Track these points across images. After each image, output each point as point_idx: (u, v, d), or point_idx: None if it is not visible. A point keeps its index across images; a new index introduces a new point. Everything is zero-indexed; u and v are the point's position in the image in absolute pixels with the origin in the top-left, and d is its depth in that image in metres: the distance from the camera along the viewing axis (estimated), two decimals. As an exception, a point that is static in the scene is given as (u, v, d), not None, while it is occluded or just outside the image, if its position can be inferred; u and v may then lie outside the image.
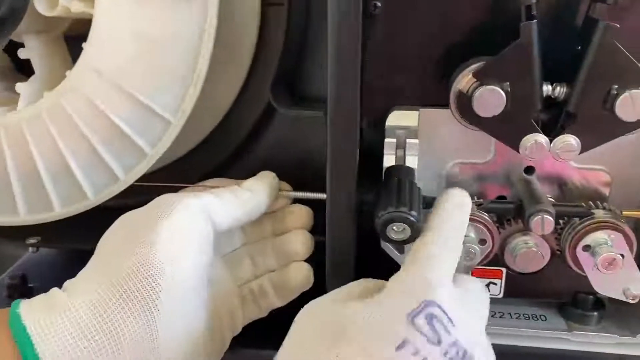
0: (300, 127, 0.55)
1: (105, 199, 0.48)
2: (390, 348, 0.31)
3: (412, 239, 0.39)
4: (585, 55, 0.41)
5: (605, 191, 0.49)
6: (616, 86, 0.41)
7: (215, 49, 0.53)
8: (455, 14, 0.45)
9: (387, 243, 0.46)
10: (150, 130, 0.44)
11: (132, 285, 0.36)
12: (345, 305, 0.34)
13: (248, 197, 0.44)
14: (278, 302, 0.47)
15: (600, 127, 0.42)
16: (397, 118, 0.48)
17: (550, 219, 0.43)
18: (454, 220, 0.41)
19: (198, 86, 0.44)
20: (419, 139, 0.48)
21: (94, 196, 0.47)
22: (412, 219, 0.39)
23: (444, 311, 0.33)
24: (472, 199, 0.47)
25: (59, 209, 0.47)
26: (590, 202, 0.47)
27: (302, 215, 0.48)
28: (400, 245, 0.40)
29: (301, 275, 0.46)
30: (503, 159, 0.48)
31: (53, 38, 0.49)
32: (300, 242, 0.47)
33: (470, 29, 0.45)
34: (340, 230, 0.42)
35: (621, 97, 0.40)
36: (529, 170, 0.49)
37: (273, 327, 0.42)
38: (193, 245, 0.39)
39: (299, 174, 0.52)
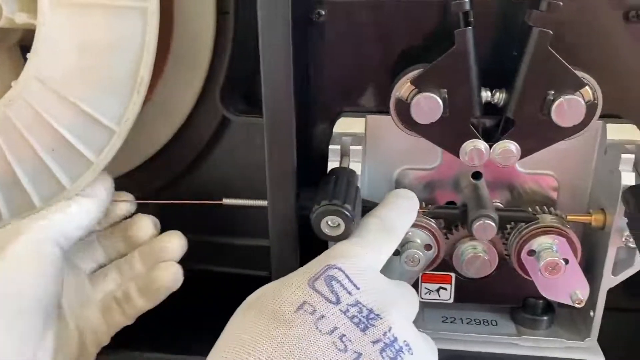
0: (256, 134, 0.55)
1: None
2: (290, 310, 0.32)
3: (346, 234, 0.39)
4: (522, 62, 0.41)
5: (554, 196, 0.49)
6: (552, 92, 0.41)
7: (171, 59, 0.55)
8: (398, 22, 0.46)
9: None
10: (95, 139, 0.44)
11: None
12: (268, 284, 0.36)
13: (90, 203, 0.45)
14: (144, 305, 0.47)
15: (539, 133, 0.42)
16: (347, 125, 0.48)
17: (492, 224, 0.43)
18: (397, 208, 0.43)
19: (141, 94, 0.44)
20: (367, 145, 0.49)
21: (41, 205, 0.47)
22: (345, 212, 0.39)
23: (346, 275, 0.34)
24: (421, 205, 0.47)
25: (8, 218, 0.47)
26: (537, 207, 0.47)
27: (145, 221, 0.48)
28: (336, 241, 0.40)
29: (167, 272, 0.47)
30: (450, 164, 0.49)
31: (3, 48, 0.49)
32: (173, 242, 0.48)
33: (414, 36, 0.46)
34: (283, 236, 0.43)
35: (557, 102, 0.41)
36: (477, 175, 0.49)
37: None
38: (31, 273, 0.40)
39: (257, 180, 0.52)
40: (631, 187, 0.42)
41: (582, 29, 0.44)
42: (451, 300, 0.50)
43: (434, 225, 0.47)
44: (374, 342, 0.32)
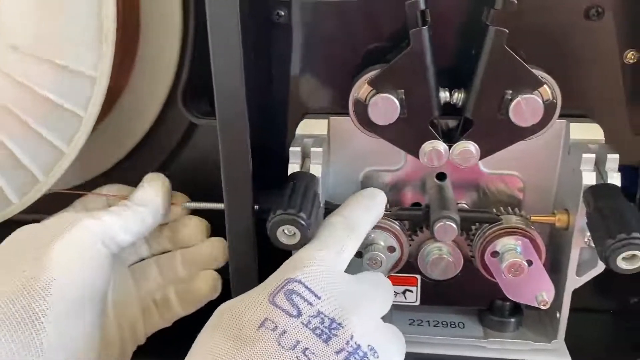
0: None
1: (30, 202, 0.48)
2: (252, 328, 0.32)
3: (302, 243, 0.39)
4: (479, 61, 0.40)
5: (520, 196, 0.49)
6: (510, 91, 0.40)
7: (138, 63, 0.54)
8: (360, 21, 0.45)
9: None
10: (63, 126, 0.44)
11: (13, 307, 0.36)
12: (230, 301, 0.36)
13: (145, 211, 0.44)
14: (182, 312, 0.47)
15: (497, 133, 0.42)
16: (310, 126, 0.48)
17: (452, 225, 0.43)
18: (360, 206, 0.43)
19: (109, 44, 0.43)
20: (332, 147, 0.48)
21: (18, 200, 0.47)
22: (301, 221, 0.38)
23: (306, 287, 0.34)
24: (386, 206, 0.47)
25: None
26: (502, 208, 0.47)
27: (196, 226, 0.47)
28: (294, 249, 0.40)
29: (207, 284, 0.46)
30: (415, 166, 0.48)
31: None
32: (216, 248, 0.47)
33: (376, 36, 0.45)
34: (240, 240, 0.42)
35: (514, 102, 0.40)
36: (441, 176, 0.49)
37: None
38: (84, 266, 0.39)
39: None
40: (592, 187, 0.41)
41: (543, 27, 0.44)
42: (417, 303, 0.50)
43: (397, 227, 0.46)
44: (337, 352, 0.32)
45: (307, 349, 0.32)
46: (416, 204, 0.50)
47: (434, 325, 0.50)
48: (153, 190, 0.45)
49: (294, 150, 0.45)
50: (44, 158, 0.46)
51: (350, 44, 0.46)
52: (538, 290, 0.46)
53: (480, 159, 0.43)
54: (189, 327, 0.43)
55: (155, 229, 0.46)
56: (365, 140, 0.46)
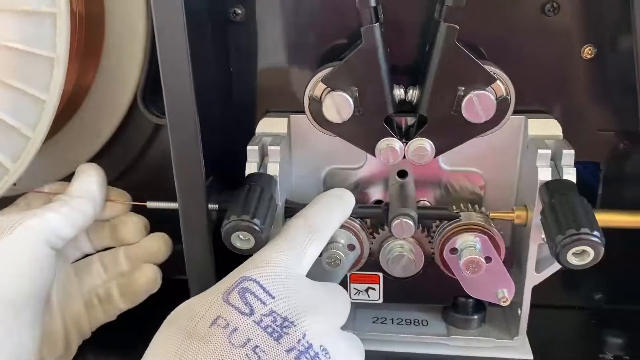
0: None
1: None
2: (204, 325, 0.32)
3: (257, 247, 0.39)
4: (431, 58, 0.40)
5: (482, 193, 0.48)
6: (463, 88, 0.40)
7: (102, 64, 0.54)
8: (318, 18, 0.45)
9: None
10: (26, 112, 0.43)
11: None
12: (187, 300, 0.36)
13: (83, 202, 0.44)
14: (123, 306, 0.47)
15: (451, 130, 0.42)
16: (270, 125, 0.48)
17: (410, 223, 0.43)
18: (324, 207, 0.42)
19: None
20: (293, 145, 0.48)
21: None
22: (254, 227, 0.38)
23: (261, 285, 0.34)
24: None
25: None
26: (462, 205, 0.47)
27: (134, 224, 0.48)
28: (249, 254, 0.40)
29: (146, 277, 0.47)
30: (376, 163, 0.48)
31: None
32: (158, 242, 0.47)
33: (333, 34, 0.45)
34: (195, 239, 0.42)
35: (466, 98, 0.40)
36: (403, 174, 0.48)
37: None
38: (25, 266, 0.40)
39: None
40: (546, 182, 0.41)
41: (500, 23, 0.44)
42: (380, 301, 0.50)
43: (357, 225, 0.46)
44: (288, 351, 0.32)
45: (257, 346, 0.32)
46: (379, 202, 0.50)
47: (398, 323, 0.50)
48: (87, 180, 0.45)
49: (252, 149, 0.44)
50: (10, 146, 0.45)
51: (309, 41, 0.46)
52: (498, 287, 0.46)
53: (435, 156, 0.43)
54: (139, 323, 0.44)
55: (97, 226, 0.47)
56: (326, 138, 0.46)
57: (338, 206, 0.43)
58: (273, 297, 0.34)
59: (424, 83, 0.41)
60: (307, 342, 0.33)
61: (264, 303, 0.33)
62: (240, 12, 0.46)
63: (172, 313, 0.35)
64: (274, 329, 0.32)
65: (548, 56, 0.45)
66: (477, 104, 0.40)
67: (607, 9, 0.43)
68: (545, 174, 0.42)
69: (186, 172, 0.40)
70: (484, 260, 0.44)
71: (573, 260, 0.37)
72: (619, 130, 0.47)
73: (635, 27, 0.40)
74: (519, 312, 0.47)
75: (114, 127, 0.56)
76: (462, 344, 0.48)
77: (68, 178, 0.57)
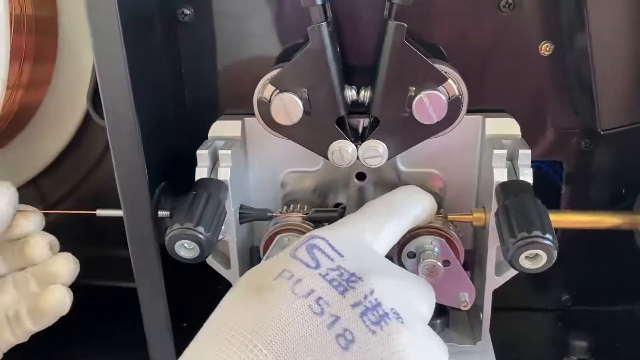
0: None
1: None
2: (270, 279, 0.31)
3: (202, 256, 0.38)
4: (381, 57, 0.39)
5: (441, 195, 0.47)
6: (414, 88, 0.39)
7: (56, 72, 0.53)
8: (267, 19, 0.44)
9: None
10: None
11: None
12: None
13: None
14: (33, 327, 0.45)
15: (403, 131, 0.41)
16: (223, 128, 0.46)
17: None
18: (404, 191, 0.39)
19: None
20: (249, 148, 0.47)
21: None
22: (198, 235, 0.37)
23: (329, 244, 0.33)
24: (304, 209, 0.46)
25: None
26: (420, 207, 0.46)
27: (37, 243, 0.45)
28: (194, 262, 0.38)
29: (53, 298, 0.44)
30: (333, 166, 0.47)
31: None
32: (60, 262, 0.45)
33: (286, 34, 0.44)
34: (141, 247, 0.41)
35: (417, 98, 0.39)
36: (361, 176, 0.47)
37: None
38: None
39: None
40: (501, 184, 0.40)
41: (456, 19, 0.43)
42: (341, 307, 0.48)
43: (311, 229, 0.45)
44: (353, 305, 0.30)
45: (320, 298, 0.30)
46: (338, 205, 0.48)
47: (359, 329, 0.49)
48: None
49: (201, 153, 0.43)
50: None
51: (261, 41, 0.45)
52: (458, 291, 0.45)
53: (389, 158, 0.42)
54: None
55: (10, 246, 0.45)
56: (281, 140, 0.44)
57: (418, 194, 0.40)
58: (342, 256, 0.32)
59: (375, 84, 0.40)
60: (375, 300, 0.30)
61: (331, 259, 0.32)
62: (189, 12, 0.44)
63: (242, 276, 0.34)
64: (339, 282, 0.30)
65: (505, 53, 0.44)
66: (427, 104, 0.39)
67: (564, 4, 0.42)
68: (501, 175, 0.41)
69: (129, 178, 0.39)
70: (441, 264, 0.43)
71: (526, 264, 0.36)
72: (579, 129, 0.46)
73: (588, 24, 0.39)
74: (481, 316, 0.46)
75: (68, 138, 0.55)
76: (423, 350, 0.47)
77: (23, 188, 0.56)
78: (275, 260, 0.33)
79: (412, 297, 0.33)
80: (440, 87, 0.39)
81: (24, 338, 0.45)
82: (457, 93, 0.40)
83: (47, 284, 0.45)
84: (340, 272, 0.31)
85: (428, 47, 0.42)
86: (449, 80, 0.40)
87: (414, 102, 0.39)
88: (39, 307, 0.44)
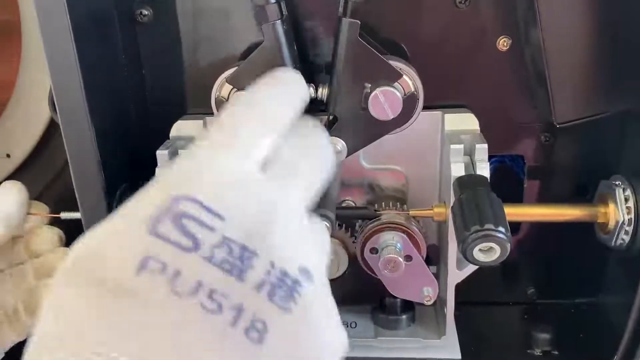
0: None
1: None
2: (129, 274, 0.22)
3: None
4: (336, 55, 0.39)
5: (405, 191, 0.48)
6: (369, 85, 0.39)
7: (21, 74, 0.53)
8: (229, 19, 0.44)
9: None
10: None
11: None
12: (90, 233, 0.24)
13: None
14: (31, 323, 0.45)
15: (361, 129, 0.41)
16: (184, 128, 0.46)
17: (326, 224, 0.41)
18: (264, 84, 0.30)
19: None
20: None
21: None
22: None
23: (203, 205, 0.24)
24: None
25: None
26: (383, 203, 0.46)
27: (46, 236, 0.45)
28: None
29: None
30: (296, 163, 0.47)
31: None
32: (61, 259, 0.45)
33: (245, 33, 0.44)
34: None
35: (372, 95, 0.39)
36: (324, 173, 0.47)
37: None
38: None
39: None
40: (458, 178, 0.40)
41: (412, 15, 0.43)
42: (307, 304, 0.49)
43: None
44: (257, 288, 0.23)
45: (214, 290, 0.22)
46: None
47: (326, 326, 0.49)
48: (4, 200, 0.44)
49: (161, 153, 0.43)
50: None
51: (221, 41, 0.45)
52: (421, 286, 0.45)
53: (348, 155, 0.42)
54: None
55: (11, 241, 0.45)
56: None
57: (283, 81, 0.31)
58: (222, 219, 0.24)
59: (332, 81, 0.40)
60: (280, 271, 0.24)
61: (211, 229, 0.23)
62: (147, 13, 0.44)
63: (69, 263, 0.23)
64: (231, 264, 0.23)
65: (464, 48, 0.44)
66: (383, 101, 0.39)
67: (519, -1, 0.42)
68: (458, 169, 0.41)
69: (86, 180, 0.39)
70: (402, 260, 0.43)
71: (480, 256, 0.36)
72: (539, 123, 0.46)
73: (540, 20, 0.39)
74: (445, 310, 0.46)
75: (36, 137, 0.55)
76: (389, 345, 0.47)
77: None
78: (126, 238, 0.23)
79: (306, 196, 0.27)
80: (396, 84, 0.39)
81: (24, 334, 0.45)
82: (412, 89, 0.40)
83: (43, 277, 0.45)
84: (229, 247, 0.23)
85: (387, 43, 0.43)
86: (404, 76, 0.40)
87: (370, 99, 0.39)
88: (37, 303, 0.44)
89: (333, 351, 0.25)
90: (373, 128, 0.41)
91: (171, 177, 0.25)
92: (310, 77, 0.42)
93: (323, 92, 0.41)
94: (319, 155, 0.30)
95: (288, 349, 0.23)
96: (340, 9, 0.39)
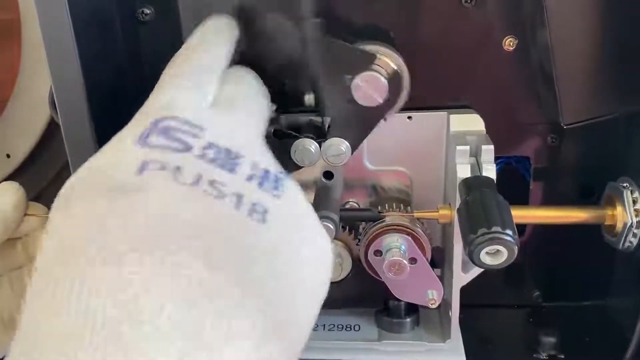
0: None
1: None
2: (129, 176, 0.23)
3: None
4: (308, 57, 0.38)
5: (410, 192, 0.47)
6: (349, 76, 0.38)
7: (21, 74, 0.53)
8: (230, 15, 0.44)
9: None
10: None
11: None
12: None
13: None
14: None
15: (357, 121, 0.39)
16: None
17: (329, 225, 0.41)
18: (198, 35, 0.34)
19: None
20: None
21: None
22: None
23: (184, 120, 0.26)
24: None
25: None
26: (387, 205, 0.45)
27: None
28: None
29: None
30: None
31: None
32: None
33: (249, 34, 0.44)
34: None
35: (353, 85, 0.38)
36: (328, 175, 0.47)
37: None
38: None
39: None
40: (464, 179, 0.40)
41: (419, 14, 0.43)
42: (310, 307, 0.48)
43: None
44: (248, 179, 0.25)
45: (213, 180, 0.24)
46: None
47: (329, 330, 0.48)
48: (1, 200, 0.43)
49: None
50: None
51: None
52: (426, 289, 0.45)
53: (352, 152, 0.41)
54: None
55: (10, 245, 0.44)
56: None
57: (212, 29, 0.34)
58: (203, 129, 0.26)
59: (314, 85, 0.39)
60: (263, 169, 0.26)
61: (196, 137, 0.25)
62: (149, 12, 0.44)
63: (67, 189, 0.24)
64: (222, 160, 0.25)
65: (470, 49, 0.44)
66: (366, 87, 0.38)
67: (525, -2, 0.42)
68: (464, 171, 0.40)
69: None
70: (407, 262, 0.42)
71: (487, 260, 0.35)
72: (546, 124, 0.45)
73: (547, 19, 0.38)
74: (450, 313, 0.45)
75: (36, 137, 0.55)
76: (392, 349, 0.47)
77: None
78: (118, 152, 0.25)
79: (258, 128, 0.29)
80: (377, 67, 0.38)
81: None
82: (394, 67, 0.39)
83: None
84: (216, 149, 0.25)
85: (369, 31, 0.42)
86: (381, 56, 0.38)
87: (352, 89, 0.38)
88: None
89: (324, 235, 0.27)
90: (368, 118, 0.39)
91: (147, 109, 0.27)
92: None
93: (310, 98, 0.40)
94: (254, 88, 0.32)
95: (287, 228, 0.25)
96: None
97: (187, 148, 0.25)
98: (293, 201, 0.26)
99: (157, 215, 0.22)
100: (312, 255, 0.27)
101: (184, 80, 0.29)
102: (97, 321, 0.20)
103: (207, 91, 0.29)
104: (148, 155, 0.24)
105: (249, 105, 0.30)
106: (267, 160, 0.27)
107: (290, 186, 0.26)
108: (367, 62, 0.38)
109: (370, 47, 0.39)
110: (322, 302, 0.28)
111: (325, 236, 0.27)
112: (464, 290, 0.44)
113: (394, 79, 0.38)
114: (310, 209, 0.27)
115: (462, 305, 0.45)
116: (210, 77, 0.30)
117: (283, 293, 0.24)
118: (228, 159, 0.25)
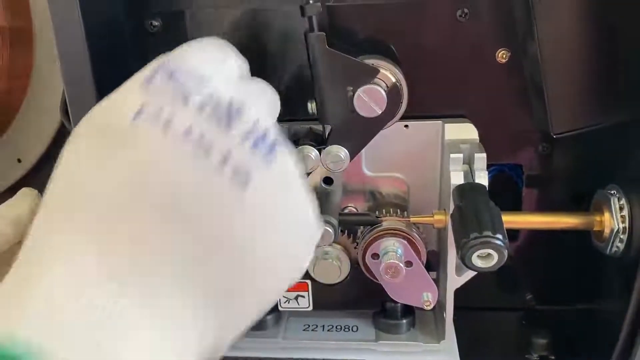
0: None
1: None
2: (125, 120, 0.24)
3: None
4: (312, 69, 0.40)
5: (407, 198, 0.49)
6: (351, 88, 0.40)
7: (33, 79, 0.55)
8: (237, 32, 0.46)
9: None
10: None
11: None
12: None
13: (3, 225, 0.43)
14: None
15: (356, 131, 0.42)
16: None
17: (328, 230, 0.43)
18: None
19: None
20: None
21: None
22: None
23: (192, 68, 0.26)
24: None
25: None
26: (384, 210, 0.47)
27: None
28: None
29: None
30: (300, 171, 0.48)
31: None
32: None
33: (254, 47, 0.46)
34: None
35: (355, 97, 0.40)
36: (328, 181, 0.49)
37: None
38: None
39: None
40: (457, 186, 0.42)
41: (415, 28, 0.45)
42: (310, 308, 0.50)
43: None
44: (242, 138, 0.25)
45: (203, 135, 0.24)
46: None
47: (328, 330, 0.50)
48: (18, 204, 0.44)
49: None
50: None
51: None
52: (421, 291, 0.46)
53: (351, 159, 0.43)
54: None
55: (19, 247, 0.46)
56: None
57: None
58: (210, 78, 0.26)
59: (316, 94, 0.41)
60: (262, 130, 0.25)
61: (201, 84, 0.26)
62: (157, 24, 0.46)
63: (81, 122, 0.27)
64: (220, 114, 0.25)
65: (464, 61, 0.45)
66: (367, 99, 0.40)
67: (517, 12, 0.43)
68: (457, 178, 0.42)
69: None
70: (403, 265, 0.44)
71: (479, 262, 0.37)
72: (537, 133, 0.47)
73: (537, 32, 0.40)
74: (444, 315, 0.47)
75: (47, 143, 0.57)
76: (389, 349, 0.48)
77: (7, 193, 0.57)
78: (122, 93, 0.26)
79: (273, 110, 0.29)
80: (377, 80, 0.40)
81: None
82: (393, 80, 0.41)
83: None
84: (217, 100, 0.25)
85: (373, 45, 0.44)
86: (382, 70, 0.41)
87: (355, 101, 0.40)
88: None
89: (307, 209, 0.26)
90: (367, 127, 0.41)
91: (159, 61, 0.27)
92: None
93: (312, 106, 0.42)
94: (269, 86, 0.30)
95: (268, 203, 0.25)
96: (305, 26, 0.40)
97: (187, 96, 0.25)
98: (283, 171, 0.25)
99: (130, 170, 0.24)
100: (291, 230, 0.26)
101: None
102: None
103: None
104: (147, 98, 0.25)
105: (263, 87, 0.29)
106: (270, 121, 0.26)
107: (285, 153, 0.26)
108: (369, 75, 0.40)
109: (370, 61, 0.40)
110: (293, 281, 0.28)
111: (310, 209, 0.27)
112: (458, 292, 0.46)
113: (393, 92, 0.40)
114: (300, 181, 0.26)
115: (457, 307, 0.46)
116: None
117: (232, 261, 0.24)
118: (228, 112, 0.25)
